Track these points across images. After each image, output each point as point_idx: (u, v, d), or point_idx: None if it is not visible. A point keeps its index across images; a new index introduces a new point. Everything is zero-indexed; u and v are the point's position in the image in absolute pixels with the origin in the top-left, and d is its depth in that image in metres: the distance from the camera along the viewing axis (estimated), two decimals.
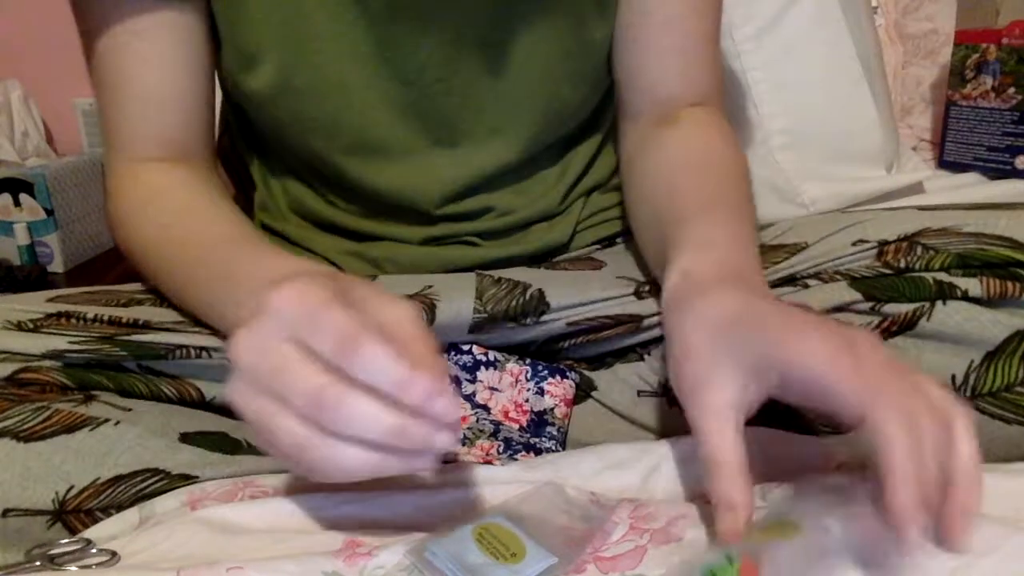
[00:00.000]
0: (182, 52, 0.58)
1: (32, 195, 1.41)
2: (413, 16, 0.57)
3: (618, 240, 0.72)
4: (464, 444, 0.55)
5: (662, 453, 0.48)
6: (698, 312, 0.44)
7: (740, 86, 0.96)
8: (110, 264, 1.57)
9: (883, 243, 0.53)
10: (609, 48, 0.65)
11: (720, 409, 0.40)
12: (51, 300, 0.55)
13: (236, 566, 0.38)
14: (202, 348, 0.54)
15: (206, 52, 0.60)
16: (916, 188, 1.00)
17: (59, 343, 0.51)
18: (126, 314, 0.54)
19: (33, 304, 0.54)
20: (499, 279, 0.61)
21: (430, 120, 0.61)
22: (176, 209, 0.58)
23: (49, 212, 1.42)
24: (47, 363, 0.51)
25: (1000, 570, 0.35)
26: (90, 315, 0.53)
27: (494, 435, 0.56)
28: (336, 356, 0.35)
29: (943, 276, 0.50)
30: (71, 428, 0.48)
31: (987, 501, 0.41)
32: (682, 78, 0.64)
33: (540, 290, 0.59)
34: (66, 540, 0.44)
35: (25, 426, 0.47)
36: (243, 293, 0.47)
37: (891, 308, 0.51)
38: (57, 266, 1.46)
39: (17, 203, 1.42)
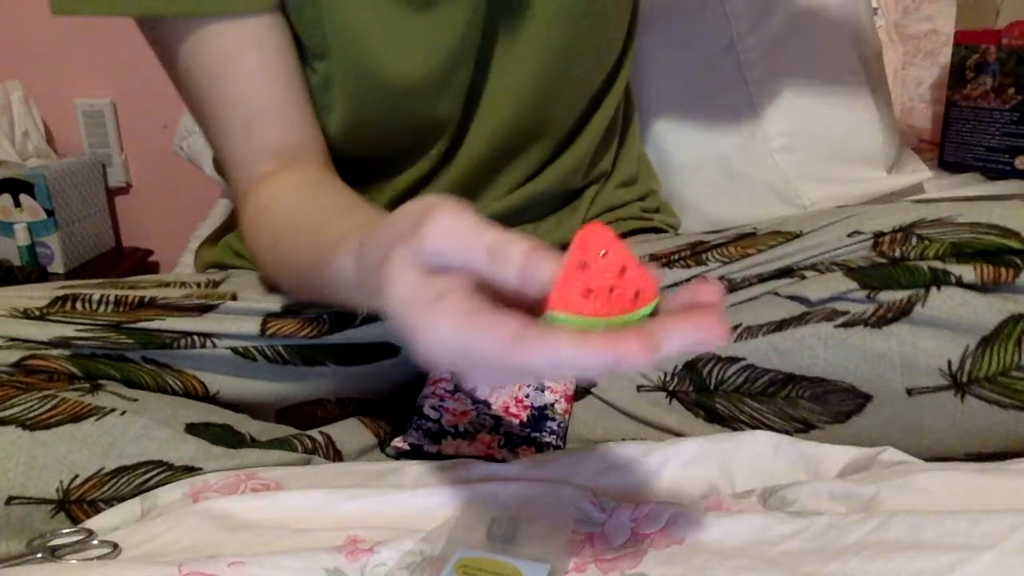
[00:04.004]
0: (272, 60, 0.57)
1: (32, 195, 1.41)
2: None
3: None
4: (465, 438, 0.55)
5: (665, 455, 0.48)
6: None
7: (739, 86, 0.96)
8: (110, 264, 1.58)
9: (878, 234, 0.54)
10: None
11: None
12: (58, 289, 0.56)
13: (237, 560, 0.38)
14: (206, 335, 0.54)
15: (291, 45, 0.58)
16: (916, 189, 1.00)
17: (65, 331, 0.51)
18: (132, 293, 0.54)
19: (40, 292, 0.54)
20: None
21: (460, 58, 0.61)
22: (282, 222, 0.55)
23: (49, 212, 1.42)
24: (54, 351, 0.51)
25: (1000, 564, 0.35)
26: (96, 296, 0.53)
27: (495, 429, 0.56)
28: None
29: (937, 264, 0.51)
30: (77, 417, 0.48)
31: (988, 499, 0.41)
32: None
33: None
34: (68, 530, 0.44)
35: (31, 414, 0.47)
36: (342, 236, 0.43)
37: (886, 295, 0.51)
38: (57, 266, 1.46)
39: (17, 203, 1.42)
